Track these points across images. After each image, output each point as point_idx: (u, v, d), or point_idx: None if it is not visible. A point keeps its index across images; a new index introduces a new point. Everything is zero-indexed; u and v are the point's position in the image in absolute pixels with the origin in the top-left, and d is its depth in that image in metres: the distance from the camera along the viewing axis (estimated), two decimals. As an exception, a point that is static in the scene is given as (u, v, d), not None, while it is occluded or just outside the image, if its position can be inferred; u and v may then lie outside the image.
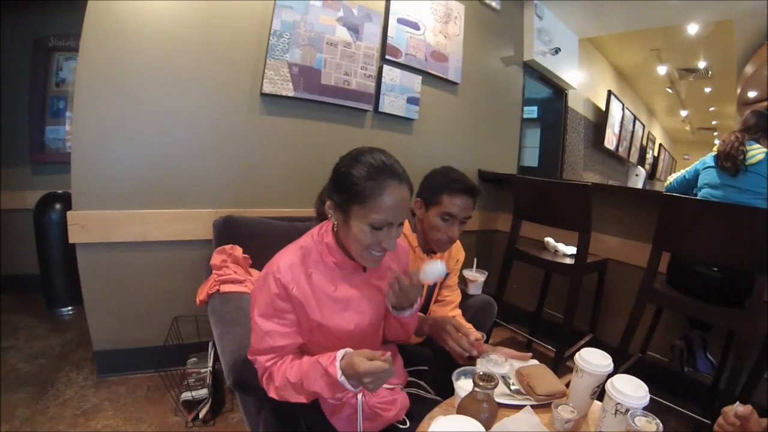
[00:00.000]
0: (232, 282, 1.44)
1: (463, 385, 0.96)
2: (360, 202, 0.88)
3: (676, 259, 1.94)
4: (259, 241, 1.68)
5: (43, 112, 2.89)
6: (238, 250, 1.58)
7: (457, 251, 1.59)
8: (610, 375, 0.96)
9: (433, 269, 0.99)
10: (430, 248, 1.45)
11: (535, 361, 1.18)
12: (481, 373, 0.82)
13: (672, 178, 2.22)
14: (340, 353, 0.85)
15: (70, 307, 2.65)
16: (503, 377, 1.09)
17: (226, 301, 1.37)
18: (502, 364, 1.14)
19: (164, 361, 1.78)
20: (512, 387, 1.07)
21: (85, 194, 1.74)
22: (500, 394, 1.02)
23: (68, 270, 2.53)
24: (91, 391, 1.80)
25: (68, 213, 1.71)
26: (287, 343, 0.92)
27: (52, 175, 2.82)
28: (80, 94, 1.70)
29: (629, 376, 0.94)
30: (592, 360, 0.99)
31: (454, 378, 1.01)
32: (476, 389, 0.81)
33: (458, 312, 1.50)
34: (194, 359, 1.85)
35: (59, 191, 2.63)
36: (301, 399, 0.89)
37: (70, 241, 1.73)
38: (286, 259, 0.94)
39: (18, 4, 2.73)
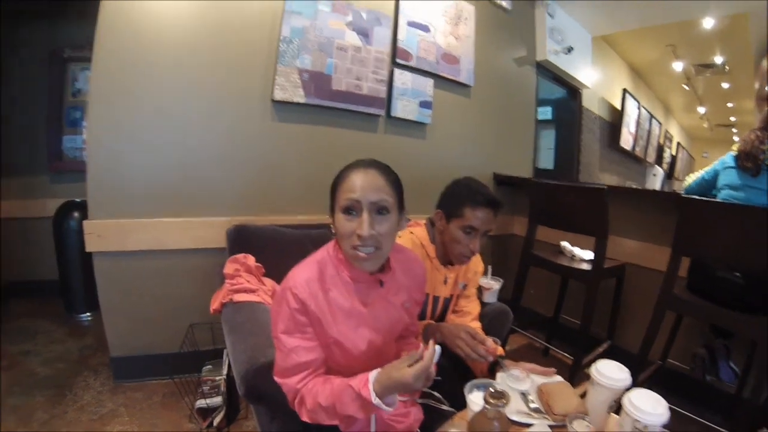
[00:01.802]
0: (245, 291, 1.44)
1: (475, 399, 0.94)
2: (334, 195, 0.93)
3: (696, 263, 1.88)
4: (272, 249, 1.68)
5: (60, 122, 2.95)
6: (250, 259, 1.58)
7: (476, 263, 1.57)
8: (628, 388, 0.93)
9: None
10: (448, 260, 1.43)
11: (558, 378, 1.14)
12: (492, 390, 0.80)
13: (690, 179, 2.16)
14: (372, 375, 0.85)
15: (88, 313, 2.69)
16: (523, 394, 1.06)
17: (238, 310, 1.37)
18: (523, 379, 1.10)
19: (180, 368, 1.79)
20: (531, 405, 1.04)
21: (101, 204, 1.77)
22: (516, 411, 0.99)
23: (86, 276, 2.53)
24: (107, 397, 1.83)
25: (84, 222, 1.75)
26: (314, 357, 0.92)
27: (69, 184, 2.87)
28: (94, 103, 1.72)
29: (647, 390, 0.91)
30: (609, 373, 0.96)
31: (466, 391, 0.98)
32: (486, 406, 0.79)
33: (478, 324, 1.47)
34: (209, 366, 1.86)
35: (77, 200, 2.67)
36: (335, 422, 0.89)
37: (87, 250, 1.76)
38: (303, 274, 0.93)
39: (33, 16, 2.79)
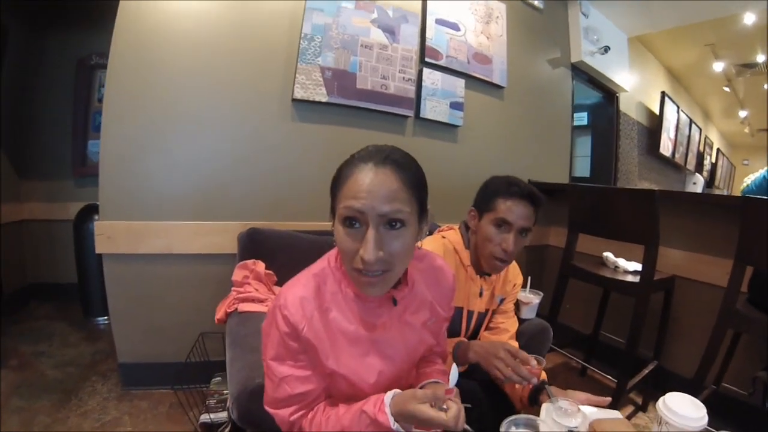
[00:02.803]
0: (252, 300, 1.33)
1: None
2: (335, 192, 0.74)
3: (759, 274, 1.66)
4: (287, 255, 1.57)
5: (86, 127, 2.98)
6: (260, 266, 1.47)
7: (515, 275, 1.41)
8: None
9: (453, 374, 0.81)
10: (485, 270, 1.27)
11: (615, 413, 0.95)
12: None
13: (749, 179, 1.97)
14: (388, 396, 0.72)
15: (105, 317, 2.64)
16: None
17: (242, 321, 1.26)
18: (574, 414, 0.90)
19: (187, 379, 1.69)
20: None
21: (113, 204, 1.73)
22: None
23: (104, 280, 2.55)
24: (113, 404, 1.77)
25: (95, 223, 1.73)
26: (309, 388, 0.77)
27: (93, 188, 2.83)
28: (109, 104, 1.70)
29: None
30: (682, 411, 0.78)
31: (503, 429, 0.82)
32: None
33: (515, 344, 1.29)
34: (218, 378, 1.76)
35: (98, 203, 2.66)
36: None
37: (97, 251, 1.72)
38: (295, 291, 0.77)
39: (62, 25, 2.88)
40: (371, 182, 0.68)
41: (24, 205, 2.84)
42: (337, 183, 0.73)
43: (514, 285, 1.39)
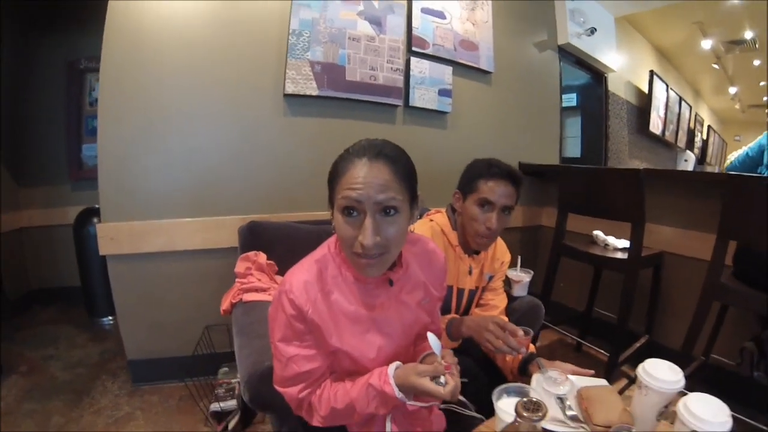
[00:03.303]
0: (256, 290, 1.38)
1: (505, 407, 0.82)
2: (333, 184, 0.79)
3: (743, 249, 1.72)
4: (286, 246, 1.61)
5: (79, 131, 2.99)
6: (262, 257, 1.52)
7: (503, 253, 1.46)
8: (681, 392, 0.81)
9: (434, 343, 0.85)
10: (473, 249, 1.33)
11: (602, 381, 1.00)
12: (526, 400, 0.66)
13: (733, 156, 2.01)
14: (391, 369, 0.78)
15: (110, 317, 2.70)
16: (560, 399, 0.92)
17: (248, 311, 1.31)
18: (562, 382, 0.96)
19: (196, 371, 1.75)
20: (569, 412, 0.90)
21: (114, 206, 1.76)
22: (552, 419, 0.86)
23: (107, 280, 2.56)
24: (124, 400, 1.81)
25: (98, 225, 1.75)
26: (314, 366, 0.82)
27: (90, 191, 2.86)
28: (104, 107, 1.72)
29: (706, 395, 0.77)
30: (659, 374, 0.82)
31: (494, 397, 0.86)
32: (519, 420, 0.66)
33: (505, 319, 1.34)
34: (225, 369, 1.82)
35: (96, 206, 2.66)
36: (352, 422, 0.84)
37: (101, 253, 1.75)
38: (299, 276, 0.82)
39: (50, 29, 2.86)
40: (366, 174, 0.74)
41: (23, 212, 2.85)
42: (335, 176, 0.78)
43: (502, 263, 1.45)
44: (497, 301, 1.41)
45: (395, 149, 0.81)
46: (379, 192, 0.74)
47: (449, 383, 0.75)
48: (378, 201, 0.74)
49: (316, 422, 0.83)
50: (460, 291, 1.36)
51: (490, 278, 1.42)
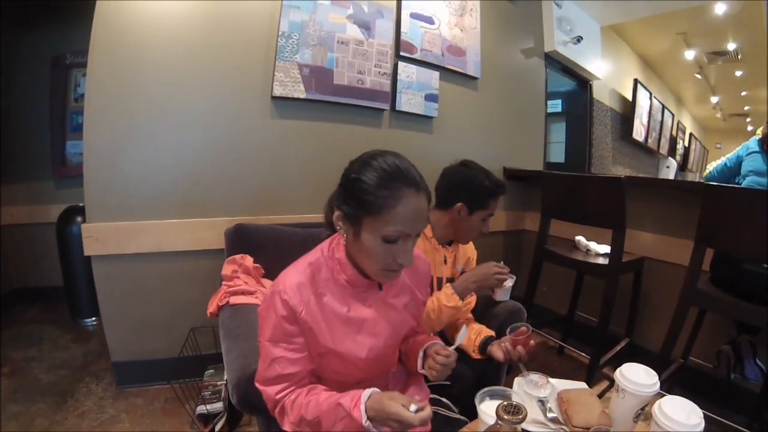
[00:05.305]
0: (243, 293, 1.38)
1: (487, 410, 0.85)
2: (372, 213, 0.79)
3: (720, 255, 1.78)
4: (273, 248, 1.61)
5: (63, 128, 2.94)
6: (248, 260, 1.52)
7: (470, 248, 1.60)
8: (657, 394, 0.85)
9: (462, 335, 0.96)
10: (447, 240, 1.47)
11: (581, 384, 1.05)
12: (506, 403, 0.69)
13: (711, 166, 2.07)
14: (365, 394, 0.77)
15: (93, 318, 2.65)
16: (541, 401, 0.96)
17: (235, 313, 1.31)
18: (543, 385, 1.00)
19: (181, 373, 1.74)
20: (549, 414, 0.94)
21: (99, 207, 1.74)
22: (532, 421, 0.89)
23: (91, 281, 2.52)
24: (109, 403, 1.80)
25: (82, 226, 1.73)
26: (297, 370, 0.84)
27: (74, 189, 2.83)
28: (90, 104, 1.69)
29: (680, 398, 0.82)
30: (636, 378, 0.87)
31: (477, 400, 0.89)
32: (499, 422, 0.69)
33: (471, 316, 1.48)
34: (211, 371, 1.81)
35: (80, 204, 2.64)
36: None
37: (86, 253, 1.73)
38: (293, 278, 0.85)
39: (35, 23, 2.80)
40: (415, 212, 0.80)
41: (4, 209, 2.79)
42: (377, 204, 0.78)
43: (469, 258, 1.58)
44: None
45: (421, 177, 0.85)
46: (422, 224, 0.83)
47: (423, 411, 0.72)
48: (418, 233, 0.84)
49: (286, 426, 0.85)
50: (439, 279, 1.45)
51: (462, 271, 1.52)
